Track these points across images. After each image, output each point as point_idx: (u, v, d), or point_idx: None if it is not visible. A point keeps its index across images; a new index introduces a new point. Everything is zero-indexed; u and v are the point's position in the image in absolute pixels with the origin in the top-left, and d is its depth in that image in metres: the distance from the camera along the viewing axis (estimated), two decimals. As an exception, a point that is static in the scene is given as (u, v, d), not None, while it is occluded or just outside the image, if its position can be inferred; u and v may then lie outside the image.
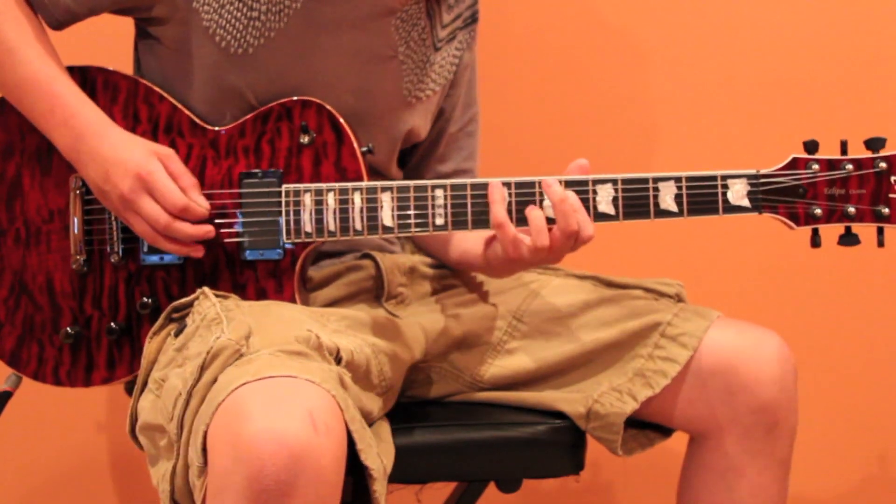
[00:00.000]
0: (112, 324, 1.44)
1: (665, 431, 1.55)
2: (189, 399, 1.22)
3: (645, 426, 1.53)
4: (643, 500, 2.04)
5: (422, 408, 1.52)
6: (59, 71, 1.43)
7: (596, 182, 1.39)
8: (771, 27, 2.06)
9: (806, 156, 1.40)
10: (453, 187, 1.40)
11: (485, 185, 1.40)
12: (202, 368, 1.23)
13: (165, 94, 1.46)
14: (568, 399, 1.49)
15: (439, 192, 1.40)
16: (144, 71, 1.52)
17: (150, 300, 1.43)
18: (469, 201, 1.40)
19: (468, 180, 1.40)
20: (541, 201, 1.38)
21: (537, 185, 1.39)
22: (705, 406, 1.48)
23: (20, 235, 1.47)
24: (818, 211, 1.39)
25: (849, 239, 1.40)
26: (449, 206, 1.40)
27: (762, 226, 1.46)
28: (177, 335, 1.34)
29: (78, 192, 1.45)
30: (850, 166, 1.39)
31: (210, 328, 1.30)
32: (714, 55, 2.05)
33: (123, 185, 1.37)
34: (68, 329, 1.45)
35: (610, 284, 1.56)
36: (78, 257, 1.45)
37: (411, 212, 1.40)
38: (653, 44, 2.04)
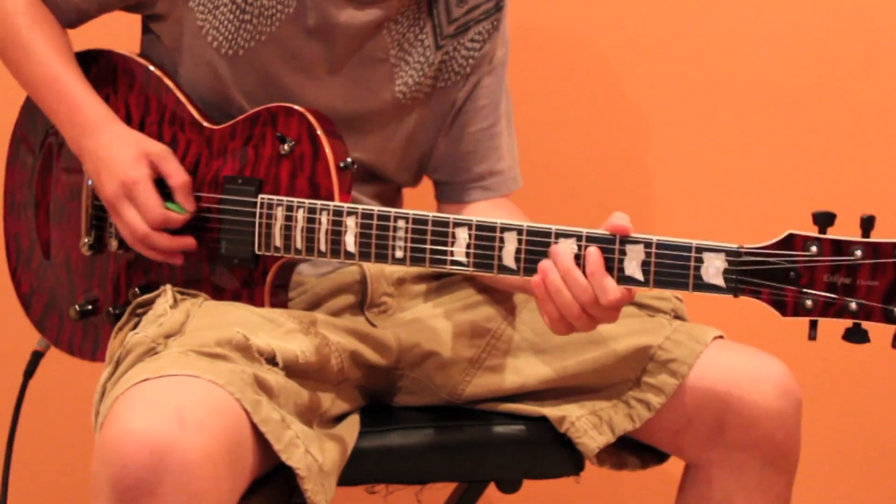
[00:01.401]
0: (110, 308, 1.49)
1: (660, 455, 1.46)
2: (104, 393, 1.25)
3: (640, 447, 1.45)
4: (643, 499, 1.97)
5: (421, 410, 1.50)
6: (68, 67, 1.45)
7: (559, 234, 1.24)
8: (797, 80, 1.91)
9: (806, 233, 1.16)
10: (414, 220, 1.30)
11: (446, 223, 1.29)
12: (117, 363, 1.26)
13: (172, 87, 1.45)
14: (549, 414, 1.43)
15: (401, 224, 1.31)
16: None
17: (139, 291, 1.46)
18: (429, 237, 1.30)
19: (431, 214, 1.30)
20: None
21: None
22: (694, 438, 1.38)
23: (50, 210, 1.54)
24: (810, 302, 1.16)
25: (856, 336, 1.17)
26: (409, 239, 1.30)
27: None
28: (134, 330, 1.36)
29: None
30: (860, 252, 1.14)
31: (152, 323, 1.31)
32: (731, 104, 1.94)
33: (109, 189, 1.39)
34: (77, 307, 1.51)
35: None
36: (85, 239, 1.50)
37: (372, 241, 1.32)
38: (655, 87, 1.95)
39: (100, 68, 1.48)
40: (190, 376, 1.17)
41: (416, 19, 1.45)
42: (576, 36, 1.96)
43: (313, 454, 1.24)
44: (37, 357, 1.61)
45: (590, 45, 1.96)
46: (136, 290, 1.46)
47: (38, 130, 1.55)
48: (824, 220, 1.16)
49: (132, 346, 1.26)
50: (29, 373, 1.61)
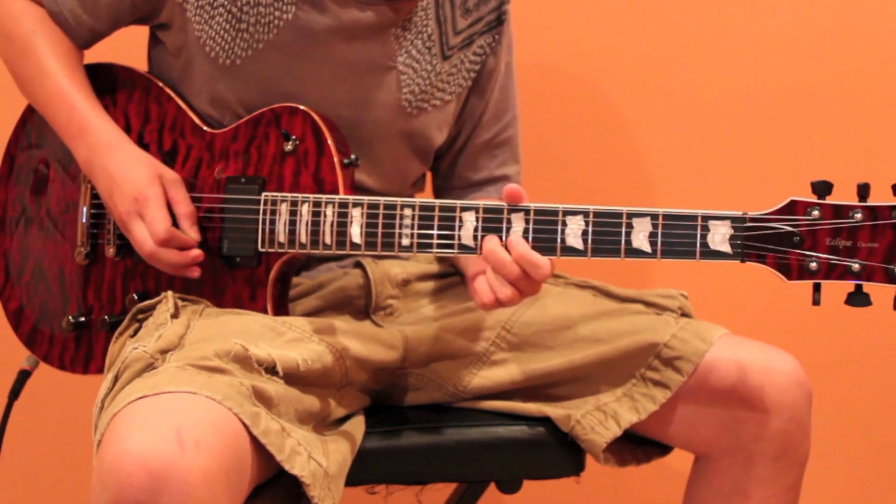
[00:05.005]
0: (106, 316, 1.47)
1: (663, 447, 1.47)
2: (102, 408, 1.23)
3: (642, 441, 1.46)
4: (644, 500, 1.98)
5: (421, 410, 1.51)
6: (80, 86, 1.46)
7: (566, 213, 1.27)
8: (793, 53, 1.93)
9: (807, 199, 1.21)
10: (421, 207, 1.33)
11: (453, 209, 1.31)
12: (116, 378, 1.24)
13: (173, 95, 1.48)
14: (552, 414, 1.44)
15: (408, 212, 1.33)
16: (156, 73, 1.53)
17: (137, 297, 1.45)
18: (436, 223, 1.32)
19: (437, 201, 1.32)
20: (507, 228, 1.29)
21: (505, 212, 1.29)
22: (707, 430, 1.39)
23: (43, 224, 1.54)
24: (814, 265, 1.20)
25: (858, 299, 1.21)
26: (416, 226, 1.33)
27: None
28: (134, 336, 1.35)
29: (88, 184, 1.49)
30: (859, 215, 1.19)
31: (151, 335, 1.30)
32: (729, 84, 1.95)
33: (121, 206, 1.40)
34: (70, 318, 1.50)
35: (610, 296, 1.48)
36: (82, 249, 1.49)
37: (379, 230, 1.34)
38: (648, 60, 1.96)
39: (100, 81, 1.50)
40: (188, 392, 1.16)
41: (423, 26, 1.49)
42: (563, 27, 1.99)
43: (317, 459, 1.24)
44: (23, 376, 1.58)
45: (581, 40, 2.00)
46: (134, 296, 1.46)
47: (31, 146, 1.56)
48: (823, 188, 1.21)
49: (130, 362, 1.24)
50: (15, 392, 1.57)
